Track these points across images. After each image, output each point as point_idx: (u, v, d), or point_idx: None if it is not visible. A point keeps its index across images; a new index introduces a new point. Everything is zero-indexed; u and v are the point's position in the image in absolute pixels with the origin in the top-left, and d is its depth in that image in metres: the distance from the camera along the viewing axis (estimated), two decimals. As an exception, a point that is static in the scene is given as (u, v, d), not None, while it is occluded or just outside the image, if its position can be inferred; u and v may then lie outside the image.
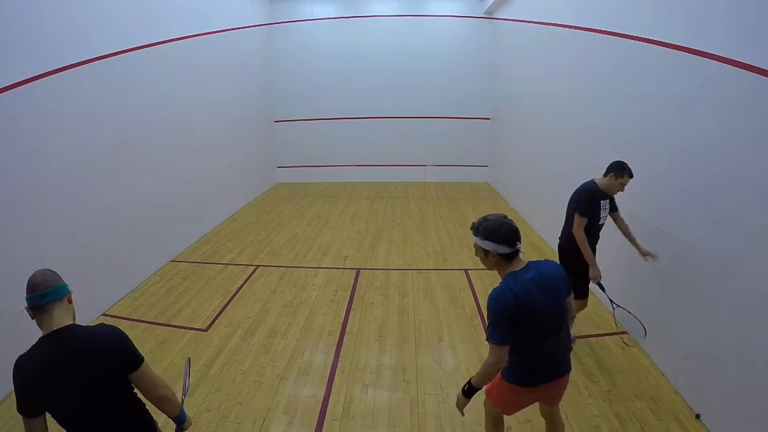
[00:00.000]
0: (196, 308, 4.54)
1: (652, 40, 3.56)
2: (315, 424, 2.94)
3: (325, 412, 3.06)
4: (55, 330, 1.62)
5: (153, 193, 5.42)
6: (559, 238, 3.73)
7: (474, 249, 2.04)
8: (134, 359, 1.74)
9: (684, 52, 3.15)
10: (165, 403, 1.77)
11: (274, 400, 3.17)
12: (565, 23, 5.58)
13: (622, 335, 3.90)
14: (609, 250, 4.32)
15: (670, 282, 3.30)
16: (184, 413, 1.89)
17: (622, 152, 4.10)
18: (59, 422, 1.66)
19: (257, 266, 5.61)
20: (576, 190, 3.48)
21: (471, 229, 2.03)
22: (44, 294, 1.66)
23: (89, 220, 4.29)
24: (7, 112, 3.38)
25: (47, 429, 1.66)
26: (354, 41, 10.21)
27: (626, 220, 3.69)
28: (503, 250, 1.94)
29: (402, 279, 5.18)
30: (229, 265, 5.67)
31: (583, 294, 3.54)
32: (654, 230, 3.53)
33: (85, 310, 4.25)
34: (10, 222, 3.40)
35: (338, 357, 3.69)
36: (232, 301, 4.67)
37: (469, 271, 5.35)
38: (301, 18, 10.16)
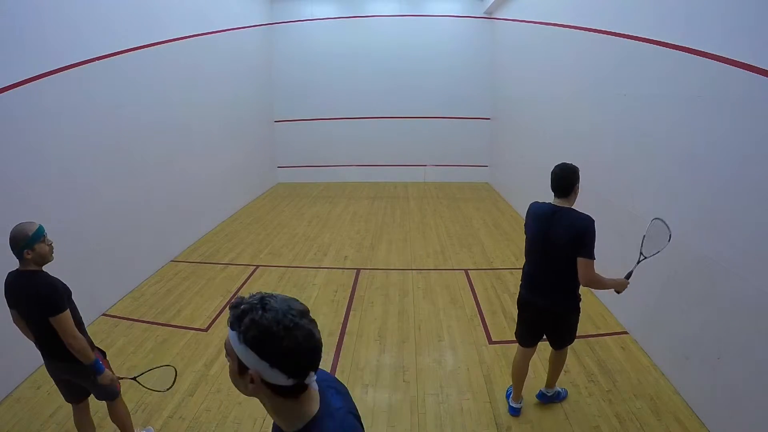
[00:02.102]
0: (196, 308, 4.54)
1: (652, 40, 3.56)
2: (315, 424, 2.94)
3: (325, 412, 3.06)
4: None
5: (153, 193, 5.41)
6: (549, 301, 2.69)
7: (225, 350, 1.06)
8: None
9: (684, 52, 3.15)
10: (71, 349, 2.33)
11: (274, 400, 3.17)
12: (565, 23, 5.58)
13: (622, 335, 3.91)
14: (609, 250, 4.32)
15: (670, 282, 3.30)
16: (100, 366, 2.42)
17: (622, 152, 4.11)
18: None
19: (257, 266, 5.61)
20: (580, 219, 2.55)
21: (230, 311, 1.07)
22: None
23: (89, 220, 4.28)
24: (7, 112, 3.38)
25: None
26: (354, 41, 10.21)
27: (626, 221, 3.69)
28: (282, 380, 0.98)
29: (402, 279, 5.18)
30: (229, 265, 5.67)
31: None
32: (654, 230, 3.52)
33: (85, 310, 4.22)
34: (10, 222, 3.39)
35: (338, 357, 3.69)
36: (232, 301, 4.66)
37: (469, 271, 5.34)
38: (301, 18, 10.16)
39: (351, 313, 4.42)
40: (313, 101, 10.50)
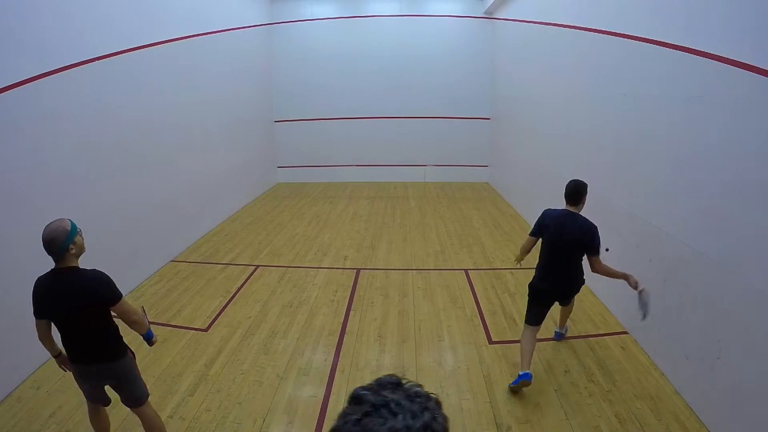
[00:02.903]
0: (196, 308, 4.54)
1: (652, 40, 3.56)
2: (315, 424, 2.94)
3: (325, 412, 3.06)
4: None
5: (153, 193, 5.41)
6: (567, 287, 3.36)
7: None
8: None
9: (684, 52, 3.15)
10: (134, 326, 2.52)
11: (274, 400, 3.17)
12: (565, 23, 5.58)
13: (622, 335, 3.91)
14: (610, 248, 4.32)
15: (670, 282, 3.30)
16: (150, 333, 2.69)
17: (622, 152, 4.11)
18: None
19: (257, 266, 5.61)
20: (588, 224, 3.16)
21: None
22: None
23: (89, 220, 4.25)
24: (7, 112, 3.38)
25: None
26: (354, 41, 10.21)
27: (626, 221, 3.69)
28: None
29: (402, 279, 5.18)
30: (229, 265, 5.67)
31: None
32: (654, 230, 3.52)
33: (85, 310, 4.25)
34: (10, 222, 3.40)
35: (338, 357, 3.69)
36: (232, 301, 4.67)
37: (469, 271, 5.34)
38: (301, 18, 10.16)
39: (351, 313, 4.42)
40: (313, 101, 10.50)
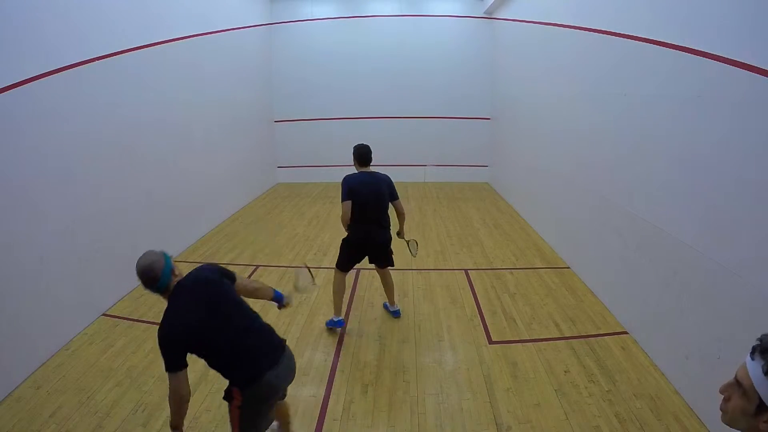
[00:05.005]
0: (196, 308, 4.53)
1: (652, 40, 3.56)
2: (315, 424, 2.94)
3: (325, 412, 3.06)
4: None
5: (153, 193, 5.41)
6: (387, 230, 4.05)
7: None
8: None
9: (684, 52, 3.15)
10: (258, 293, 2.42)
11: (274, 400, 3.17)
12: (565, 23, 5.59)
13: (622, 335, 3.91)
14: (609, 250, 4.32)
15: (670, 282, 3.30)
16: (279, 293, 2.53)
17: (622, 152, 4.11)
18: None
19: (257, 266, 5.61)
20: (385, 175, 4.08)
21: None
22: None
23: (89, 220, 4.28)
24: (7, 112, 3.38)
25: None
26: (354, 41, 10.20)
27: (626, 221, 3.69)
28: None
29: (402, 279, 5.18)
30: (229, 265, 5.60)
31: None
32: (654, 230, 3.53)
33: (85, 310, 4.26)
34: (10, 222, 3.40)
35: (338, 357, 3.69)
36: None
37: (469, 271, 5.35)
38: (301, 18, 10.16)
39: (351, 313, 4.42)
40: (313, 101, 10.49)
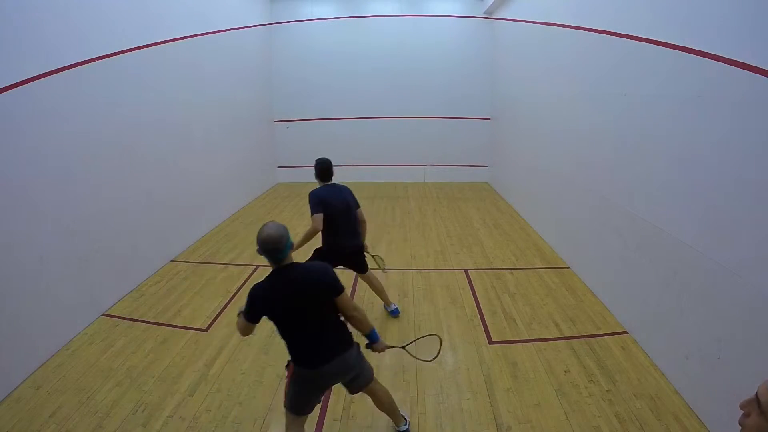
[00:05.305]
0: (196, 308, 4.54)
1: (652, 40, 3.56)
2: (315, 424, 2.94)
3: (325, 412, 3.06)
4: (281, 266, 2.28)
5: (153, 193, 5.41)
6: (357, 241, 4.04)
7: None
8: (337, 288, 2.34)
9: (684, 52, 3.15)
10: (353, 320, 2.44)
11: (274, 400, 3.17)
12: (565, 23, 5.59)
13: (622, 335, 3.91)
14: (609, 250, 4.33)
15: (670, 282, 3.30)
16: (376, 335, 2.52)
17: (622, 152, 4.11)
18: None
19: (257, 266, 5.61)
20: (346, 187, 3.99)
21: None
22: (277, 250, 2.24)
23: (89, 220, 4.29)
24: (7, 111, 3.38)
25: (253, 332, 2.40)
26: (354, 41, 10.20)
27: (626, 221, 3.69)
28: None
29: (402, 279, 5.18)
30: (229, 265, 5.67)
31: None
32: (654, 230, 3.53)
33: (85, 310, 4.26)
34: (10, 222, 3.40)
35: (338, 357, 3.69)
36: (232, 301, 4.67)
37: (469, 271, 5.35)
38: (301, 18, 10.16)
39: (351, 313, 4.41)
40: (313, 101, 10.50)
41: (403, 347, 2.74)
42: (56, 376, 3.46)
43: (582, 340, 3.85)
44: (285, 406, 2.44)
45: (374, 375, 2.63)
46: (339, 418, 3.00)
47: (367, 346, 2.53)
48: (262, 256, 2.23)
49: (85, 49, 4.25)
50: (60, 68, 3.91)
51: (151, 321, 4.29)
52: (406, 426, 2.81)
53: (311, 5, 10.10)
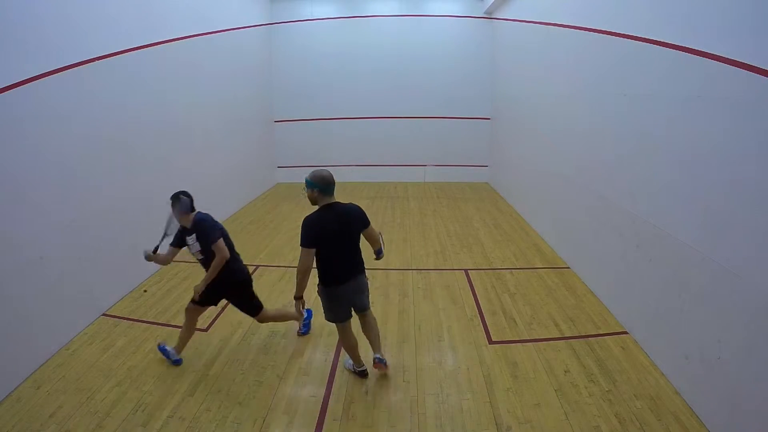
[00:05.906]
0: (196, 308, 4.53)
1: (652, 39, 3.56)
2: (315, 424, 2.94)
3: (325, 412, 3.06)
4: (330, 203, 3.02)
5: (153, 193, 5.39)
6: (239, 272, 3.80)
7: None
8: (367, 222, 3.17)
9: (683, 52, 3.15)
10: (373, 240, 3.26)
11: (274, 400, 3.17)
12: (564, 23, 5.59)
13: (622, 335, 3.91)
14: (609, 250, 4.33)
15: (670, 282, 3.30)
16: (382, 252, 3.37)
17: (622, 152, 4.11)
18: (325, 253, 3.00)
19: (257, 266, 5.61)
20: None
21: None
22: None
23: (89, 220, 4.28)
24: (7, 111, 3.38)
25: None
26: (354, 41, 10.21)
27: (627, 221, 3.68)
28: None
29: (402, 279, 5.18)
30: (229, 265, 5.65)
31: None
32: (654, 230, 3.53)
33: (85, 310, 4.26)
34: (10, 221, 3.40)
35: (338, 357, 3.69)
36: (232, 301, 4.66)
37: (469, 271, 5.35)
38: (301, 18, 10.16)
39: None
40: (313, 101, 10.50)
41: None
42: (56, 376, 3.46)
43: (582, 340, 3.85)
44: (329, 320, 3.23)
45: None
46: (339, 418, 3.00)
47: (376, 258, 3.36)
48: (306, 191, 3.00)
49: (85, 49, 4.25)
50: (60, 68, 3.91)
51: (151, 321, 4.29)
52: (364, 367, 3.40)
53: (311, 5, 10.10)
